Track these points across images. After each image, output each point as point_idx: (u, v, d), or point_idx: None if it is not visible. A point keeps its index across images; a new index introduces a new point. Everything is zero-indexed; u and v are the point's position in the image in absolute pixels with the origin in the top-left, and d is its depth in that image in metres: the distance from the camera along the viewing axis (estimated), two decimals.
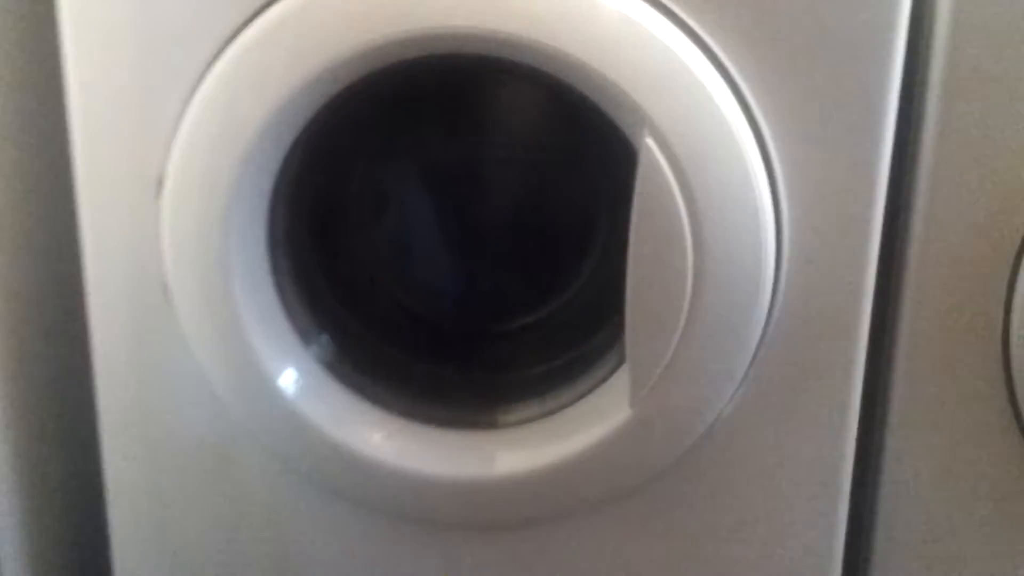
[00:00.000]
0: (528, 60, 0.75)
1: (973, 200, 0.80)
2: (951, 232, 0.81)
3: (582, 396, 0.87)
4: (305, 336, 0.87)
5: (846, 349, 0.83)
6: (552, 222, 0.95)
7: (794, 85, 0.77)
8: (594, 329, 0.90)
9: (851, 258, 0.80)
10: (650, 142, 0.75)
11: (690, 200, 0.76)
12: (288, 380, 0.84)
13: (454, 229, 0.98)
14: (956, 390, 0.85)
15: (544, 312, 0.97)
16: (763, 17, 0.75)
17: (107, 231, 0.84)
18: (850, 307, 0.82)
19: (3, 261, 0.91)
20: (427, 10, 0.74)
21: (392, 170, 0.95)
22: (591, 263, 0.95)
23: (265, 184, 0.81)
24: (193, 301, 0.82)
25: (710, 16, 0.75)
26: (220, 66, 0.77)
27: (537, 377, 0.92)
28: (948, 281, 0.82)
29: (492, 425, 0.88)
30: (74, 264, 0.87)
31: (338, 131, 0.82)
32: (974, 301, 0.83)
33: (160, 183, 0.81)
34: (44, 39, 0.85)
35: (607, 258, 0.91)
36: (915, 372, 0.85)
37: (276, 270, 0.84)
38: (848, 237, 0.80)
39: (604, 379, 0.86)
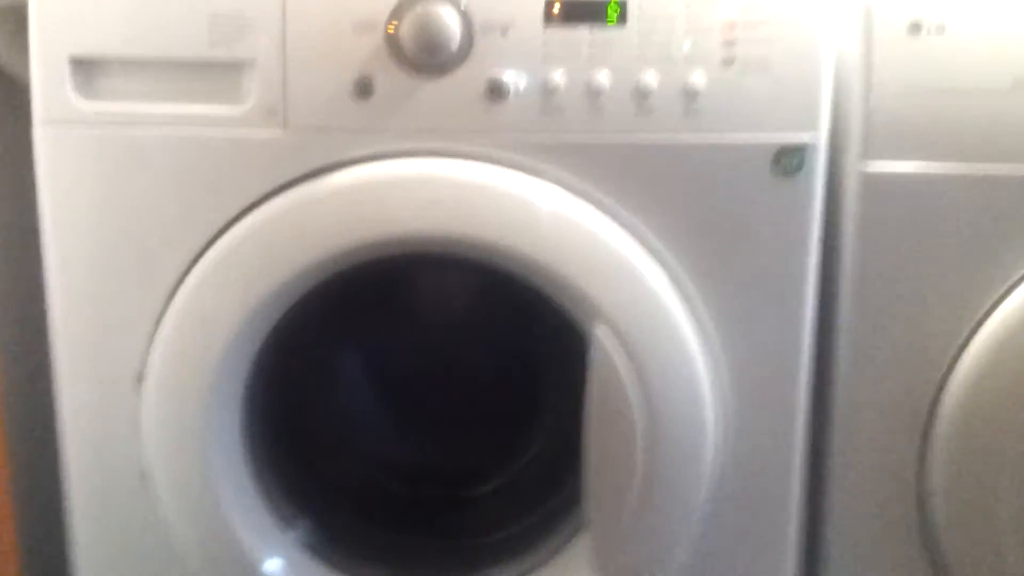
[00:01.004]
0: (487, 258, 0.83)
1: (886, 380, 0.91)
2: (869, 403, 0.91)
3: (545, 562, 0.93)
4: (285, 521, 0.91)
5: (781, 506, 0.92)
6: (506, 396, 1.02)
7: (727, 278, 0.87)
8: (549, 496, 0.97)
9: (782, 431, 0.90)
10: (601, 331, 0.83)
11: (640, 381, 0.84)
12: (271, 566, 0.88)
13: (417, 406, 1.04)
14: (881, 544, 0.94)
15: (501, 479, 1.04)
16: (697, 221, 0.86)
17: (85, 422, 0.88)
18: (782, 471, 0.91)
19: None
20: (395, 218, 0.82)
21: (360, 354, 1.01)
22: (543, 433, 1.02)
23: (241, 376, 0.86)
24: (173, 489, 0.86)
25: (655, 224, 0.85)
26: (196, 272, 0.84)
27: (503, 542, 0.97)
28: (868, 447, 0.92)
29: None
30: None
31: (307, 323, 0.88)
32: (891, 466, 0.92)
33: (140, 378, 0.85)
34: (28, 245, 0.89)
35: (557, 428, 0.99)
36: (843, 532, 0.94)
37: (253, 458, 0.89)
38: (779, 412, 0.90)
39: (564, 544, 0.92)
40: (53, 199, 0.84)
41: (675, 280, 0.85)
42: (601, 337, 0.83)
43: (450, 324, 1.00)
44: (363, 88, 0.82)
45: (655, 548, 0.88)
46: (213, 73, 0.82)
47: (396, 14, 0.82)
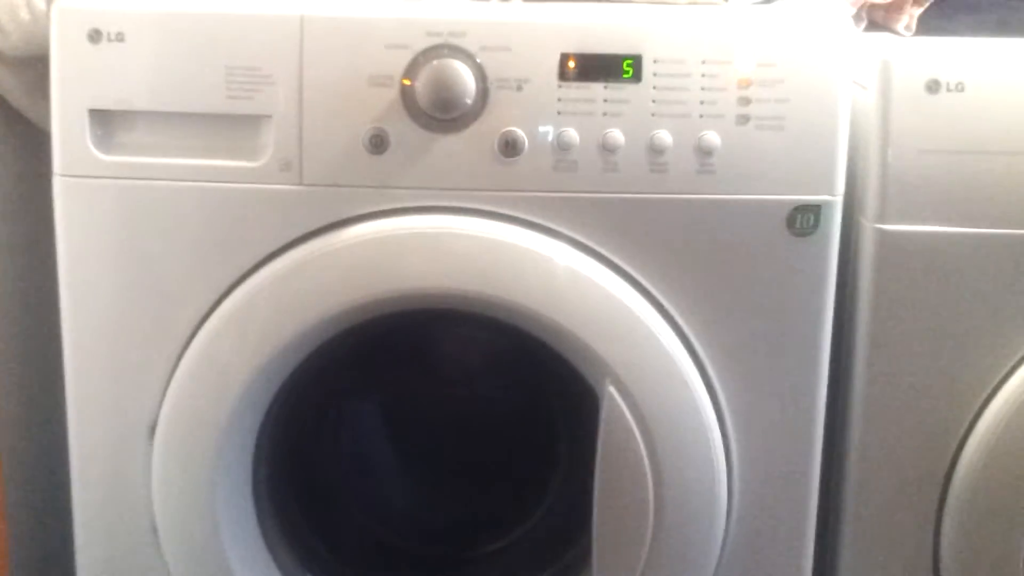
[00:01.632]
0: (498, 315, 0.84)
1: (902, 443, 0.89)
2: (882, 472, 0.90)
3: None
4: None
5: (792, 572, 0.90)
6: (516, 453, 1.02)
7: (740, 338, 0.86)
8: (557, 556, 0.96)
9: (794, 495, 0.89)
10: (612, 390, 0.82)
11: (649, 442, 0.83)
12: None
13: (427, 461, 1.04)
14: None
15: (511, 538, 1.03)
16: (709, 280, 0.85)
17: (96, 472, 0.88)
18: (794, 536, 0.90)
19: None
20: (407, 274, 0.83)
21: (371, 408, 1.01)
22: (553, 492, 1.02)
23: (252, 428, 0.86)
24: (180, 542, 0.86)
25: (667, 283, 0.85)
26: (210, 324, 0.84)
27: None
28: (882, 512, 0.91)
29: None
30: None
31: (317, 377, 0.88)
32: (905, 532, 0.91)
33: (152, 430, 0.86)
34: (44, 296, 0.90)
35: (567, 486, 0.99)
36: None
37: (260, 512, 0.89)
38: (792, 475, 0.89)
39: None
40: (70, 249, 0.85)
41: (686, 339, 0.85)
42: (611, 397, 0.83)
43: (463, 378, 1.00)
44: (378, 143, 0.83)
45: None
46: (230, 127, 0.83)
47: (411, 69, 0.82)
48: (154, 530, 0.87)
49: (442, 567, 1.03)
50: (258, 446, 0.87)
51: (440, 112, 0.82)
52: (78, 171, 0.84)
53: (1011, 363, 0.87)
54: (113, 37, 0.82)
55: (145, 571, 0.89)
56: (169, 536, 0.86)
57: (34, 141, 0.97)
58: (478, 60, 0.82)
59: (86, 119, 0.83)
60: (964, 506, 0.88)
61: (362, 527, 1.03)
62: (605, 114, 0.83)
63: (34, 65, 0.92)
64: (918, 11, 1.04)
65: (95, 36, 0.82)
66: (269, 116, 0.82)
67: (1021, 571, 0.88)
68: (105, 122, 0.83)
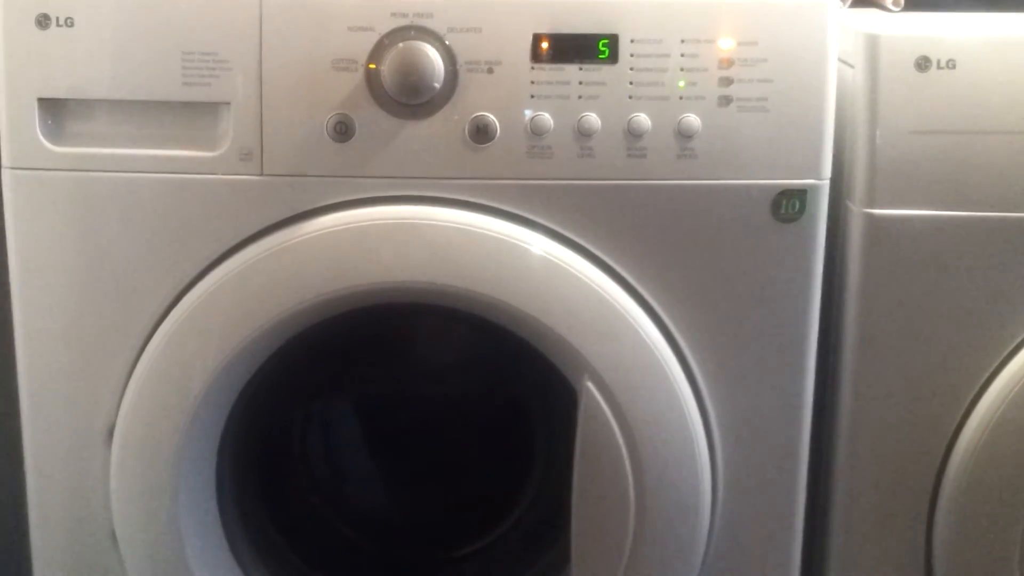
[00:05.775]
0: (472, 308, 0.80)
1: (888, 451, 0.87)
2: (872, 466, 0.87)
3: None
4: None
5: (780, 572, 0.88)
6: (492, 452, 0.99)
7: (723, 329, 0.83)
8: (535, 558, 0.93)
9: (781, 490, 0.86)
10: (590, 385, 0.79)
11: (629, 438, 0.80)
12: None
13: (398, 462, 1.01)
14: None
15: (487, 540, 1.00)
16: (691, 269, 0.82)
17: (52, 478, 0.85)
18: (782, 534, 0.87)
19: None
20: (374, 268, 0.79)
21: (340, 407, 0.98)
22: (530, 492, 0.99)
23: (214, 430, 0.83)
24: (142, 550, 0.83)
25: (647, 273, 0.82)
26: (169, 321, 0.81)
27: None
28: (872, 508, 0.88)
29: None
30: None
31: (284, 376, 0.85)
32: (896, 528, 0.88)
33: (110, 433, 0.82)
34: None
35: (545, 486, 0.96)
36: None
37: (224, 517, 0.86)
38: (778, 471, 0.86)
39: None
40: (20, 244, 0.81)
41: (667, 331, 0.82)
42: (589, 392, 0.79)
43: (435, 375, 0.97)
44: (342, 130, 0.79)
45: None
46: (187, 115, 0.79)
47: (376, 52, 0.78)
48: (113, 537, 0.84)
49: (416, 570, 1.00)
50: (221, 448, 0.84)
51: (407, 97, 0.78)
52: (28, 163, 0.80)
53: (1006, 351, 0.84)
54: (62, 22, 0.78)
55: None
56: (128, 544, 0.83)
57: None
58: (446, 42, 0.79)
59: (35, 108, 0.79)
60: (958, 502, 0.85)
61: (332, 530, 1.00)
62: (580, 97, 0.79)
63: None
64: None
65: (43, 21, 0.78)
66: (227, 103, 0.79)
67: (1016, 571, 0.85)
68: (55, 111, 0.80)
